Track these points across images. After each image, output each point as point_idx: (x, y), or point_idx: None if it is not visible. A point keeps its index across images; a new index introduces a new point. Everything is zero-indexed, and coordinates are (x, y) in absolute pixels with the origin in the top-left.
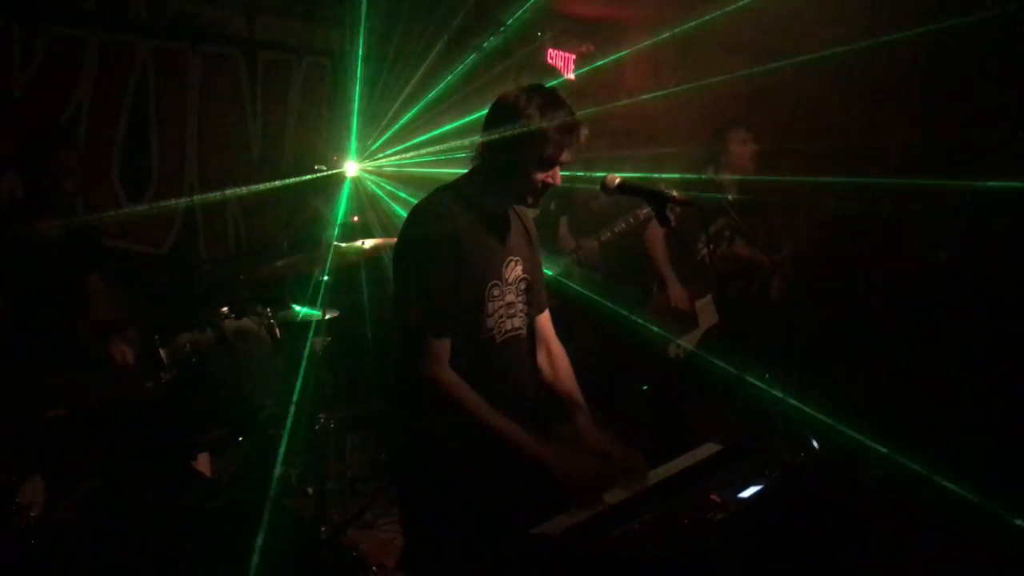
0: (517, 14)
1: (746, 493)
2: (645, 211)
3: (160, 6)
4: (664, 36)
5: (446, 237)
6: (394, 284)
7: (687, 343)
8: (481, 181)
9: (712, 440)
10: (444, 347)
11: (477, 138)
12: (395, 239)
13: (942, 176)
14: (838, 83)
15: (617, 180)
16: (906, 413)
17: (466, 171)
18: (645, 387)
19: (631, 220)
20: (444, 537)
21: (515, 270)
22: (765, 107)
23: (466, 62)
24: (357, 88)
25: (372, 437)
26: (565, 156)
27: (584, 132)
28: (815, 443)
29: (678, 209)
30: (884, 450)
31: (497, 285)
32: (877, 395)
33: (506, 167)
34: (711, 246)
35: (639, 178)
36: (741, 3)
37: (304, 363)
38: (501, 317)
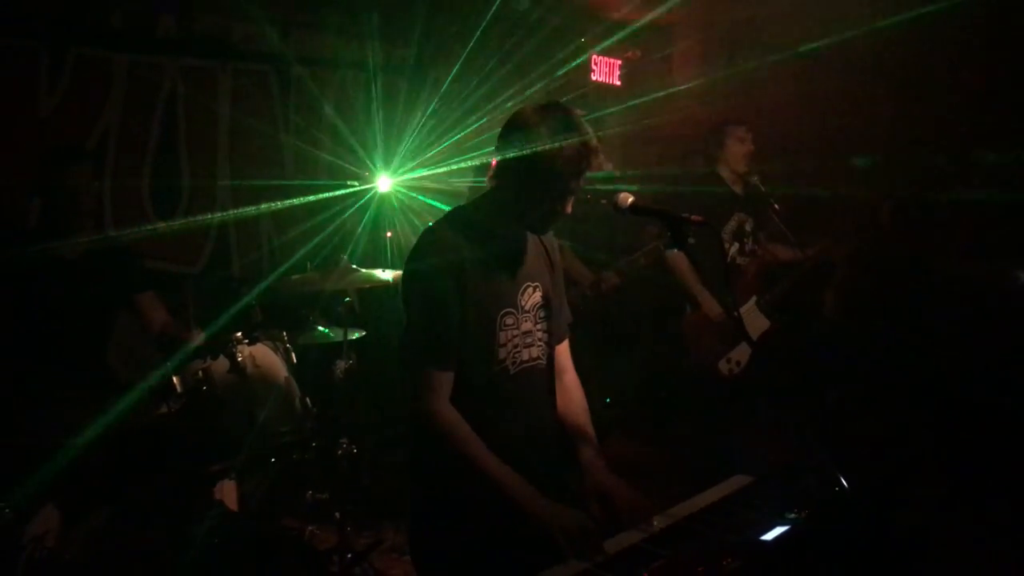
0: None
1: (769, 536)
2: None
3: (189, 24)
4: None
5: (450, 267)
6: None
7: (739, 356)
8: (493, 205)
9: (745, 472)
10: (444, 380)
11: (488, 161)
12: None
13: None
14: (892, 83)
15: (630, 200)
16: (962, 447)
17: (481, 194)
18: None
19: (653, 248)
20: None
21: (533, 296)
22: (813, 108)
23: (506, 69)
24: (375, 101)
25: (405, 460)
26: (578, 183)
27: (599, 160)
28: (844, 482)
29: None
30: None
31: (511, 313)
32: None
33: (518, 193)
34: (739, 243)
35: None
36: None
37: (325, 386)
38: (516, 347)
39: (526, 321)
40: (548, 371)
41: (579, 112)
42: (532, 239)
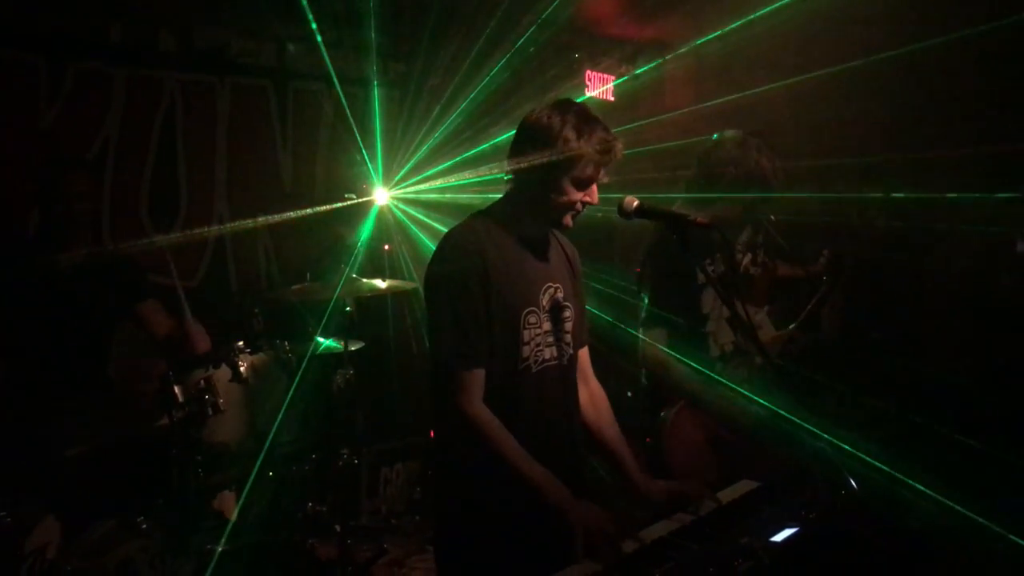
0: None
1: (779, 537)
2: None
3: (188, 38)
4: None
5: (474, 267)
6: (426, 314)
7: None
8: (515, 205)
9: (750, 476)
10: (475, 379)
11: (505, 162)
12: (410, 284)
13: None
14: (884, 92)
15: (635, 203)
16: (963, 453)
17: (500, 196)
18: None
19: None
20: (472, 573)
21: (554, 296)
22: (805, 119)
23: (500, 84)
24: (376, 115)
25: (406, 472)
26: (603, 174)
27: (620, 147)
28: (853, 483)
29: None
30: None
31: (534, 312)
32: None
33: (542, 189)
34: (751, 253)
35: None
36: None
37: (326, 397)
38: (538, 346)
39: (547, 321)
40: (568, 371)
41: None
42: (554, 242)
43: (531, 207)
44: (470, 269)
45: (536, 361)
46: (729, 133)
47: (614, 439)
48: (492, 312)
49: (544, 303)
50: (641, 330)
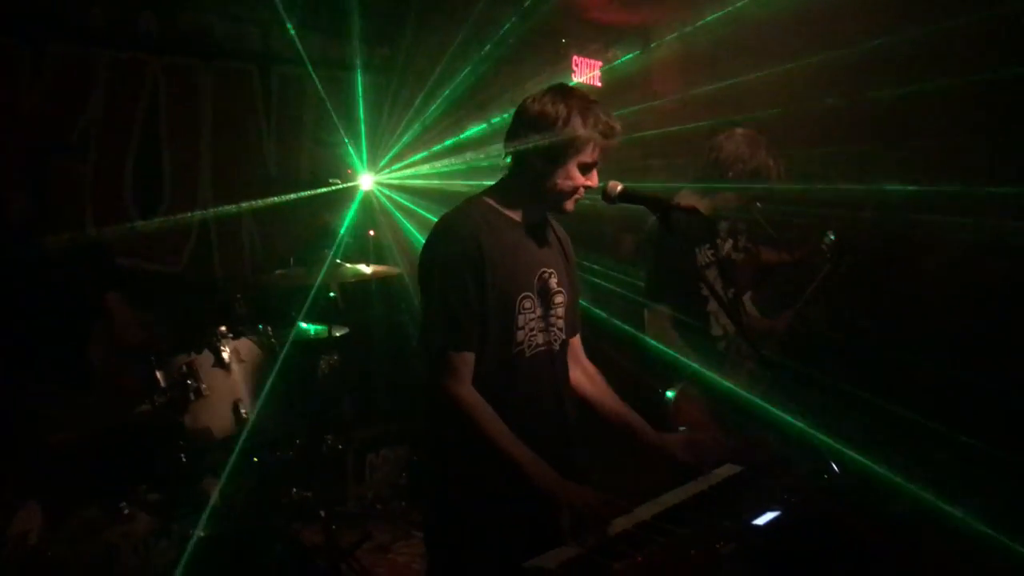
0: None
1: (761, 520)
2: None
3: (171, 22)
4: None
5: (469, 251)
6: (420, 296)
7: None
8: (515, 190)
9: (733, 461)
10: (465, 362)
11: (501, 145)
12: (395, 269)
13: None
14: (871, 80)
15: (619, 188)
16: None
17: (494, 182)
18: None
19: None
20: (461, 556)
21: (548, 281)
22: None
23: (486, 69)
24: (360, 100)
25: (392, 458)
26: (602, 157)
27: (619, 130)
28: (835, 467)
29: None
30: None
31: (529, 297)
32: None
33: (542, 173)
34: (733, 239)
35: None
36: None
37: (310, 383)
38: (532, 330)
39: (540, 306)
40: (560, 357)
41: None
42: (548, 229)
43: (534, 192)
44: (465, 253)
45: (530, 346)
46: (740, 129)
47: (617, 406)
48: (487, 296)
49: (538, 288)
50: (647, 307)
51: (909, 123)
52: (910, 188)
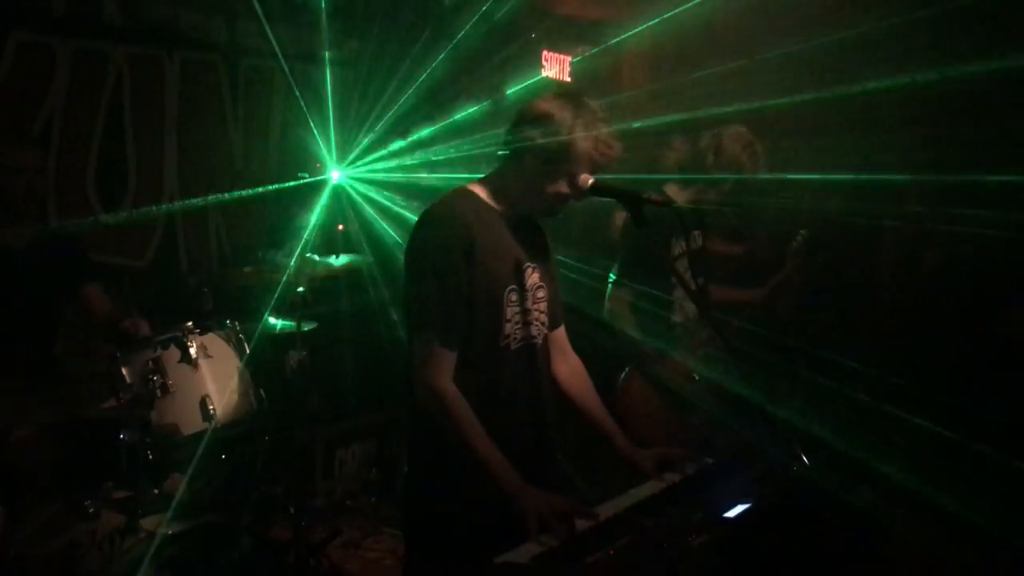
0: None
1: (732, 513)
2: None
3: (135, 11)
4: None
5: (459, 242)
6: (407, 284)
7: None
8: (508, 186)
9: (704, 454)
10: (448, 357)
11: (470, 139)
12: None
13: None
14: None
15: (591, 181)
16: (907, 428)
17: (463, 175)
18: None
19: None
20: (440, 548)
21: (532, 276)
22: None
23: (456, 64)
24: (328, 93)
25: (361, 453)
26: (593, 172)
27: (618, 151)
28: (805, 459)
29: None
30: (881, 468)
31: (515, 291)
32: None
33: (545, 178)
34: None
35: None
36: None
37: (279, 378)
38: (518, 324)
39: (527, 300)
40: (544, 351)
41: None
42: (531, 225)
43: (528, 191)
44: (455, 244)
45: (515, 339)
46: (731, 129)
47: (596, 410)
48: (475, 288)
49: (525, 282)
50: (609, 288)
51: (878, 116)
52: (877, 177)
